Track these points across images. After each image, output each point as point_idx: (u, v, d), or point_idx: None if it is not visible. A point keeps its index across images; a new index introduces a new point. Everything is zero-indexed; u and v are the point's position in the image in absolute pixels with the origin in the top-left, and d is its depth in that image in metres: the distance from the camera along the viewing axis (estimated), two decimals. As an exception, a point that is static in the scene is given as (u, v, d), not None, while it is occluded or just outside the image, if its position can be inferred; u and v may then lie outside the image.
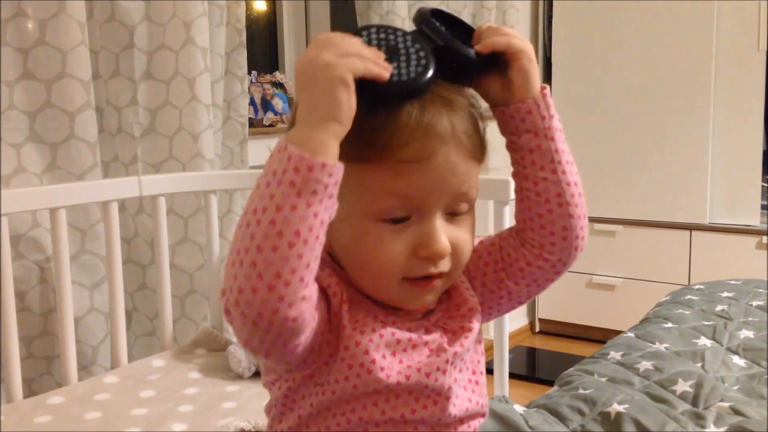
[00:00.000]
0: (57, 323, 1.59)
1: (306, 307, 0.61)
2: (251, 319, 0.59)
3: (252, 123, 2.31)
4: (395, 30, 0.68)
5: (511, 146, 0.76)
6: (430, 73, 0.65)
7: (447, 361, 0.71)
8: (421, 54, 0.65)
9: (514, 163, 0.77)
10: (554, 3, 3.30)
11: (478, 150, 0.71)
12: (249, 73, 2.20)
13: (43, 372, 1.68)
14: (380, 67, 0.63)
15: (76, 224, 1.70)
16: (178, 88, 1.84)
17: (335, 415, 0.70)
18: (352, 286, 0.72)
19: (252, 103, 2.38)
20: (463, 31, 0.73)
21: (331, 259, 0.73)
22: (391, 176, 0.66)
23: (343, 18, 2.88)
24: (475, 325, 0.76)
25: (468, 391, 0.75)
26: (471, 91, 0.73)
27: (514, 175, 0.77)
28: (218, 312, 1.86)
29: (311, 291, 0.62)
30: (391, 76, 0.63)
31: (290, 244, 0.58)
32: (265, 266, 0.58)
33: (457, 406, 0.73)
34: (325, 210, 0.60)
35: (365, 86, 0.62)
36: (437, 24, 0.69)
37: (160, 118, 1.85)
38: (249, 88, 2.27)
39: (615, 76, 3.17)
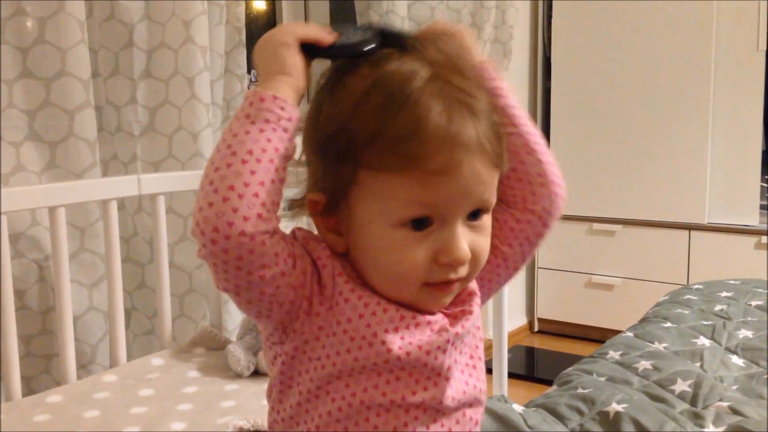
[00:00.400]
0: (56, 322, 1.59)
1: (264, 229, 0.64)
2: (210, 236, 0.63)
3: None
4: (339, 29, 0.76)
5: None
6: (371, 45, 0.72)
7: (448, 341, 0.72)
8: (367, 33, 0.73)
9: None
10: (554, 3, 3.30)
11: (500, 158, 0.71)
12: (248, 72, 2.20)
13: (42, 370, 1.68)
14: (322, 34, 0.72)
15: (75, 223, 1.70)
16: (177, 87, 1.83)
17: (334, 399, 0.70)
18: (354, 269, 0.72)
19: (251, 102, 2.38)
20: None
21: (349, 265, 0.73)
22: (416, 186, 0.66)
23: (343, 17, 2.88)
24: (475, 308, 0.76)
25: (465, 374, 0.75)
26: (489, 94, 0.73)
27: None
28: (217, 311, 1.86)
29: (271, 223, 0.65)
30: (336, 42, 0.73)
31: (243, 161, 0.65)
32: (220, 180, 0.64)
33: (454, 389, 0.73)
34: (280, 140, 0.66)
35: (315, 51, 0.73)
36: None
37: (160, 117, 1.85)
38: (248, 87, 2.27)
39: (614, 75, 3.17)
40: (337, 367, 0.69)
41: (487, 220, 0.72)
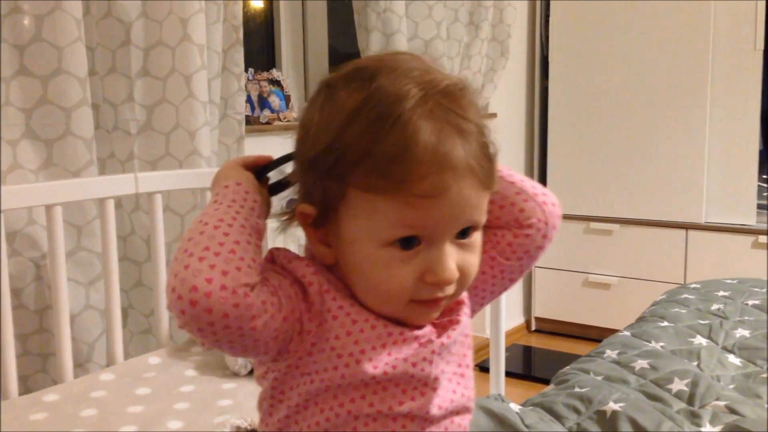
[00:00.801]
0: (53, 320, 1.58)
1: (245, 282, 0.64)
2: (188, 298, 0.62)
3: (249, 120, 2.30)
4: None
5: None
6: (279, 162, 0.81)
7: (433, 352, 0.72)
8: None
9: None
10: (551, 2, 3.30)
11: (490, 178, 0.70)
12: (246, 70, 2.20)
13: (38, 369, 1.68)
14: (259, 157, 0.79)
15: (72, 221, 1.69)
16: (174, 85, 1.83)
17: (323, 410, 0.70)
18: (341, 280, 0.72)
19: (249, 100, 2.37)
20: None
21: (336, 277, 0.73)
22: (404, 209, 0.66)
23: (341, 16, 2.87)
24: (463, 318, 0.76)
25: (453, 383, 0.75)
26: (481, 117, 0.71)
27: None
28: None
29: (252, 277, 0.65)
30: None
31: (215, 226, 0.67)
32: (194, 246, 0.65)
33: (441, 397, 0.73)
34: (249, 215, 0.70)
35: (260, 171, 0.80)
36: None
37: (157, 115, 1.85)
38: (246, 86, 2.27)
39: (612, 75, 3.17)
40: (325, 382, 0.69)
41: (476, 237, 0.72)
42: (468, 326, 0.78)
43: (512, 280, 0.83)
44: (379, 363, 0.69)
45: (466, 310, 0.77)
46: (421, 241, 0.68)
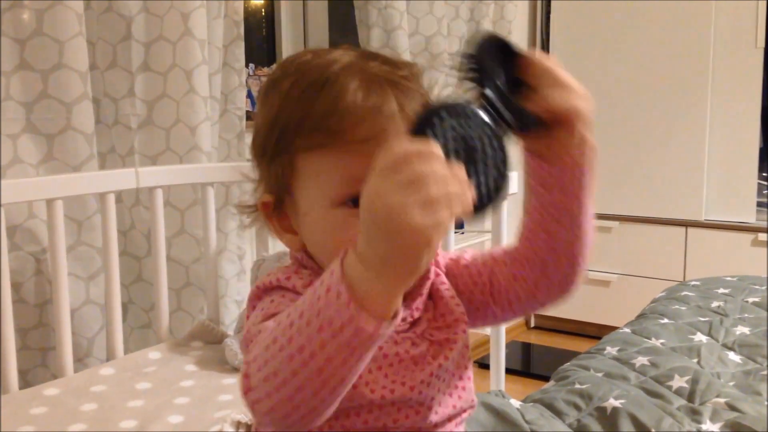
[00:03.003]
0: (53, 315, 1.58)
1: None
2: (279, 426, 0.61)
3: (249, 116, 2.30)
4: (467, 115, 0.59)
5: (534, 192, 0.73)
6: (505, 189, 0.60)
7: (431, 374, 0.72)
8: (499, 158, 0.59)
9: (533, 206, 0.74)
10: (552, 0, 3.30)
11: None
12: (246, 65, 2.20)
13: (38, 364, 1.68)
14: (467, 205, 0.54)
15: (72, 216, 1.69)
16: (175, 80, 1.83)
17: (316, 427, 0.70)
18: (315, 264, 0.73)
19: (249, 95, 2.37)
20: (510, 57, 0.68)
21: (313, 261, 0.73)
22: (347, 159, 0.67)
23: (341, 12, 2.87)
24: (461, 335, 0.76)
25: (454, 397, 0.76)
26: (416, 67, 0.73)
27: (528, 212, 0.74)
28: (214, 305, 1.86)
29: None
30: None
31: (332, 390, 0.57)
32: (304, 404, 0.58)
33: (439, 414, 0.74)
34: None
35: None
36: (498, 85, 0.64)
37: (158, 110, 1.85)
38: (246, 81, 2.26)
39: (612, 72, 3.17)
40: None
41: None
42: (467, 341, 0.78)
43: (503, 322, 0.82)
44: (377, 387, 0.69)
45: (463, 327, 0.77)
46: None
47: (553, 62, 0.70)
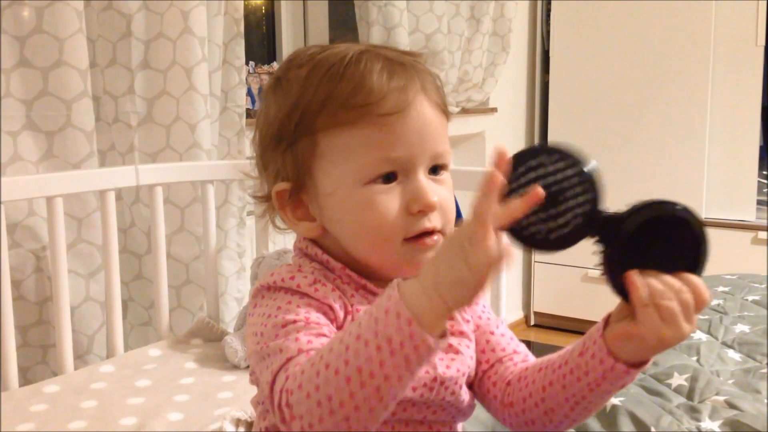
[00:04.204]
0: (53, 312, 1.58)
1: None
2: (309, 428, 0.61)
3: (249, 114, 2.29)
4: (566, 164, 0.63)
5: (573, 375, 0.71)
6: (571, 244, 0.63)
7: (435, 379, 0.73)
8: (578, 220, 0.62)
9: (563, 385, 0.72)
10: (553, -4, 3.29)
11: (445, 106, 0.74)
12: (246, 63, 2.19)
13: (38, 361, 1.68)
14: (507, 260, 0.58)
15: (72, 213, 1.69)
16: (175, 78, 1.83)
17: None
18: (353, 281, 0.73)
19: (249, 93, 2.37)
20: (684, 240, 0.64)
21: (320, 251, 0.74)
22: (373, 132, 0.69)
23: (341, 9, 2.87)
24: (464, 349, 0.77)
25: (466, 394, 0.77)
26: (423, 56, 0.76)
27: (555, 383, 0.73)
28: (214, 302, 1.86)
29: None
30: (535, 228, 0.61)
31: (385, 406, 0.59)
32: (358, 423, 0.59)
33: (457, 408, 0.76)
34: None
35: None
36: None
37: (158, 108, 1.85)
38: (246, 79, 2.26)
39: (613, 70, 3.17)
40: None
41: (447, 176, 0.74)
42: (472, 353, 0.79)
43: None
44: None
45: (468, 343, 0.78)
46: (398, 175, 0.70)
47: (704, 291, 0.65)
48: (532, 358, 0.80)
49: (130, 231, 1.90)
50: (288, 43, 2.77)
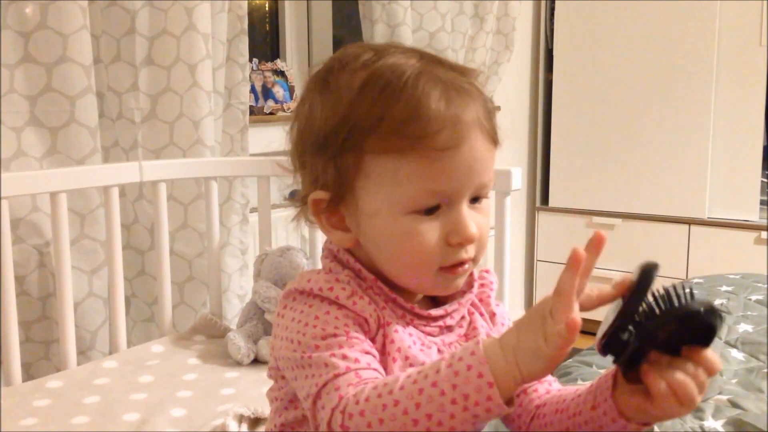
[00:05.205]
0: (56, 308, 1.59)
1: None
2: None
3: (253, 111, 2.30)
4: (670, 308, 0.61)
5: (588, 427, 0.72)
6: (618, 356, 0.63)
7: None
8: (640, 335, 0.61)
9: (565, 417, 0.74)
10: (557, -5, 3.29)
11: (496, 134, 0.73)
12: (250, 60, 2.19)
13: (41, 357, 1.68)
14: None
15: (75, 209, 1.69)
16: (179, 74, 1.83)
17: None
18: (383, 294, 0.73)
19: (253, 90, 2.37)
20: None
21: (355, 260, 0.74)
22: (424, 165, 0.67)
23: (345, 6, 2.86)
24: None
25: None
26: (478, 73, 0.74)
27: (572, 429, 0.74)
28: (217, 299, 1.86)
29: None
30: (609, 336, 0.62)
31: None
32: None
33: None
34: None
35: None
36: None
37: (161, 104, 1.85)
38: (250, 76, 2.26)
39: (616, 69, 3.16)
40: None
41: (486, 204, 0.74)
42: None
43: None
44: None
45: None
46: (441, 206, 0.70)
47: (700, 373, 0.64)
48: (555, 386, 0.81)
49: (134, 227, 1.90)
50: (292, 41, 2.77)
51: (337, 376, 0.64)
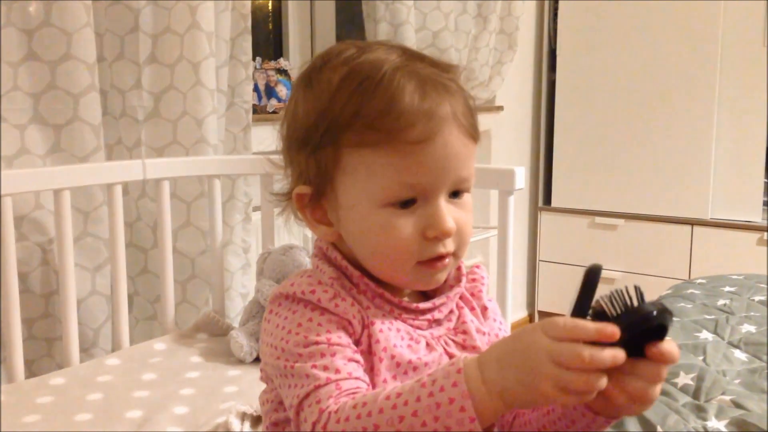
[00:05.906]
0: (59, 305, 1.59)
1: None
2: None
3: (256, 109, 2.30)
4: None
5: (562, 422, 0.72)
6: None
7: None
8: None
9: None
10: (560, -5, 3.29)
11: (475, 130, 0.73)
12: (253, 59, 2.19)
13: (44, 354, 1.68)
14: (590, 397, 0.58)
15: (78, 207, 1.69)
16: (182, 73, 1.83)
17: None
18: (370, 290, 0.73)
19: (256, 89, 2.37)
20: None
21: (340, 255, 0.74)
22: (397, 158, 0.68)
23: (348, 6, 2.86)
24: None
25: None
26: (459, 70, 0.75)
27: (548, 426, 0.74)
28: (220, 297, 1.86)
29: None
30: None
31: None
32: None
33: None
34: None
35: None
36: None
37: (165, 102, 1.85)
38: (253, 75, 2.26)
39: (619, 69, 3.16)
40: None
41: (467, 198, 0.74)
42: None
43: None
44: None
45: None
46: (417, 200, 0.70)
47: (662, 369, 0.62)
48: None
49: (137, 225, 1.91)
50: (295, 40, 2.77)
51: (317, 387, 0.65)
